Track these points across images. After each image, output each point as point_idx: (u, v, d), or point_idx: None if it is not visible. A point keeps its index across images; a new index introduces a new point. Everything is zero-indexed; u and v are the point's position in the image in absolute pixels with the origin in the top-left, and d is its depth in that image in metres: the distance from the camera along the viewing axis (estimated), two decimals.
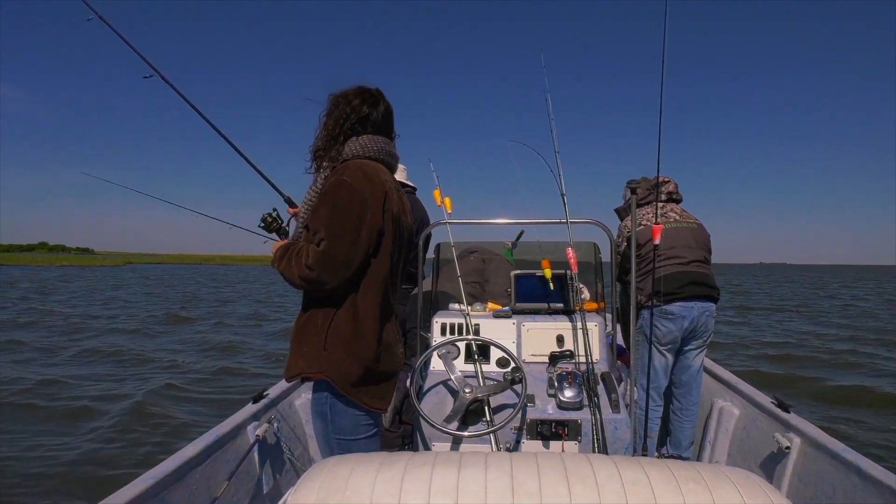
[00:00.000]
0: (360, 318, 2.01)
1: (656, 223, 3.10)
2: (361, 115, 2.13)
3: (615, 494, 1.25)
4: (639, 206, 3.85)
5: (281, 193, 2.37)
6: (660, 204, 3.83)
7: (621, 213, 4.05)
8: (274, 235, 2.26)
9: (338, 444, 2.03)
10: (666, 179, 3.94)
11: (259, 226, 2.28)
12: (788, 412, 3.09)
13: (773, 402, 3.24)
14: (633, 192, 3.15)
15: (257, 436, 2.84)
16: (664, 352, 3.70)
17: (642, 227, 3.74)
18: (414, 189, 3.92)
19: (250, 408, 2.99)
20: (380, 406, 2.08)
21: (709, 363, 4.17)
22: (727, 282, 51.71)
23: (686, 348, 3.75)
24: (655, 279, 3.49)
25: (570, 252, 3.09)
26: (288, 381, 2.12)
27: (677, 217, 3.85)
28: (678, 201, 4.00)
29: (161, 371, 9.45)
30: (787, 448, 2.87)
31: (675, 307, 3.59)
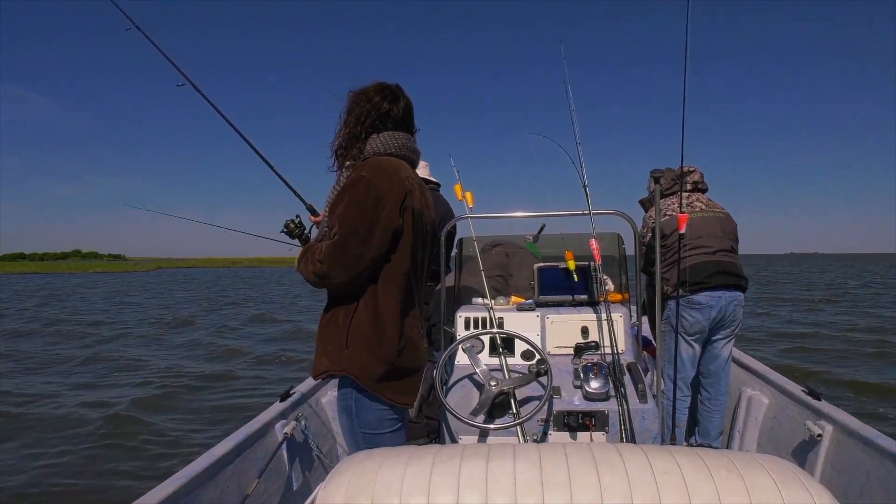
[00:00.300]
0: (380, 315, 2.00)
1: (681, 212, 3.07)
2: (382, 111, 2.12)
3: (646, 484, 1.23)
4: (664, 196, 3.81)
5: (304, 202, 2.38)
6: (685, 194, 3.78)
7: (646, 204, 4.00)
8: (297, 241, 2.27)
9: (363, 437, 2.04)
10: (691, 169, 3.90)
11: (282, 231, 2.29)
12: (819, 400, 3.03)
13: (803, 391, 3.18)
14: (657, 181, 3.11)
15: (285, 433, 2.86)
16: (691, 342, 3.66)
17: (668, 217, 3.70)
18: (438, 186, 3.92)
19: (277, 406, 3.01)
20: (405, 401, 2.08)
21: (737, 353, 4.11)
22: (756, 272, 50.94)
23: (714, 338, 3.71)
24: (682, 269, 3.46)
25: (594, 243, 3.07)
26: (315, 378, 2.13)
27: (703, 206, 3.81)
28: (704, 191, 3.95)
29: (153, 377, 9.39)
30: (819, 436, 2.82)
31: (702, 297, 3.55)
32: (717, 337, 3.70)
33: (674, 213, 3.66)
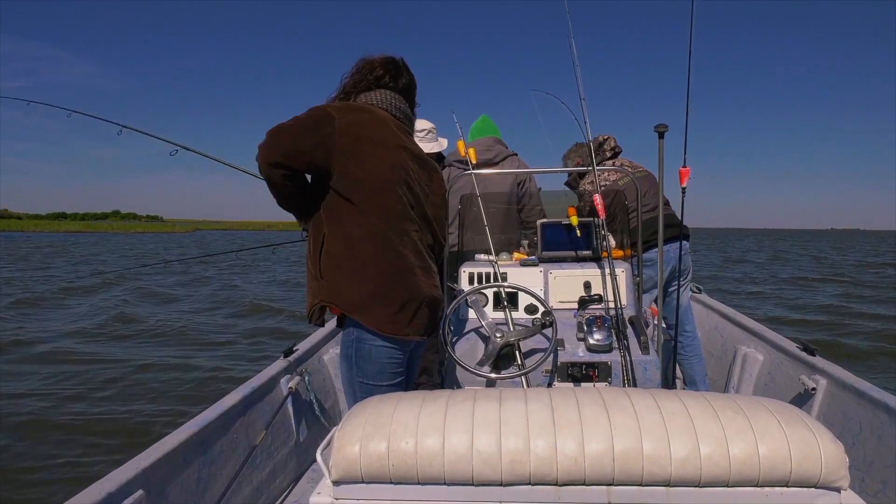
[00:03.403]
0: (352, 240, 1.95)
1: (684, 167, 3.04)
2: (381, 83, 2.12)
3: (655, 424, 1.24)
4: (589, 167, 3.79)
5: None
6: (609, 162, 3.82)
7: (572, 183, 3.98)
8: None
9: (360, 387, 2.01)
10: (605, 137, 3.91)
11: None
12: (814, 355, 3.01)
13: (798, 347, 3.16)
14: (661, 135, 3.07)
15: (290, 388, 2.90)
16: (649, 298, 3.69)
17: (607, 184, 3.66)
18: (441, 160, 3.82)
19: (281, 362, 3.05)
20: (395, 331, 1.97)
21: (731, 311, 4.09)
22: (793, 245, 49.35)
23: (671, 289, 3.74)
24: (632, 229, 3.47)
25: (598, 199, 3.03)
26: (309, 322, 2.10)
27: (630, 169, 3.77)
28: (619, 153, 3.95)
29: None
30: (813, 389, 2.80)
31: (653, 253, 3.53)
32: (673, 287, 3.72)
33: (607, 182, 3.67)
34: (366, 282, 1.95)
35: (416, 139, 3.75)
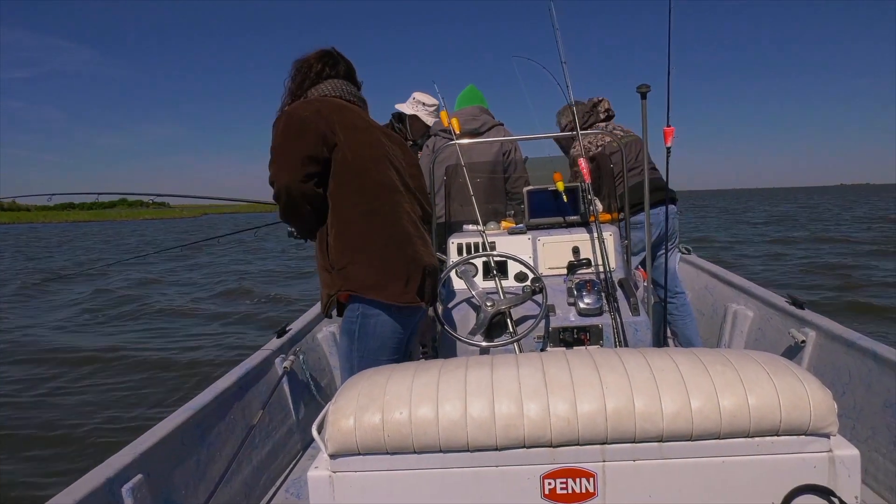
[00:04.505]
0: (349, 222, 2.00)
1: (668, 126, 3.01)
2: (323, 76, 2.15)
3: (646, 381, 1.25)
4: (583, 129, 3.66)
5: None
6: (602, 124, 3.76)
7: (566, 145, 3.88)
8: None
9: (359, 361, 2.01)
10: (600, 99, 3.83)
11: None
12: (803, 308, 3.00)
13: (787, 301, 3.15)
14: (644, 96, 3.03)
15: (285, 367, 2.91)
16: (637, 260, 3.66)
17: (601, 146, 3.60)
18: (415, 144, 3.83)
19: (275, 342, 3.06)
20: (408, 300, 2.01)
21: (720, 270, 4.08)
22: (802, 205, 48.67)
23: (659, 253, 3.72)
24: (621, 193, 3.45)
25: (583, 163, 2.99)
26: (325, 316, 2.14)
27: (622, 133, 3.71)
28: (612, 117, 3.87)
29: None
30: (803, 342, 2.80)
31: (642, 216, 3.45)
32: (661, 251, 3.71)
33: (602, 144, 3.61)
34: (373, 261, 1.98)
35: (424, 114, 3.77)
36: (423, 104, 3.83)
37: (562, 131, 3.78)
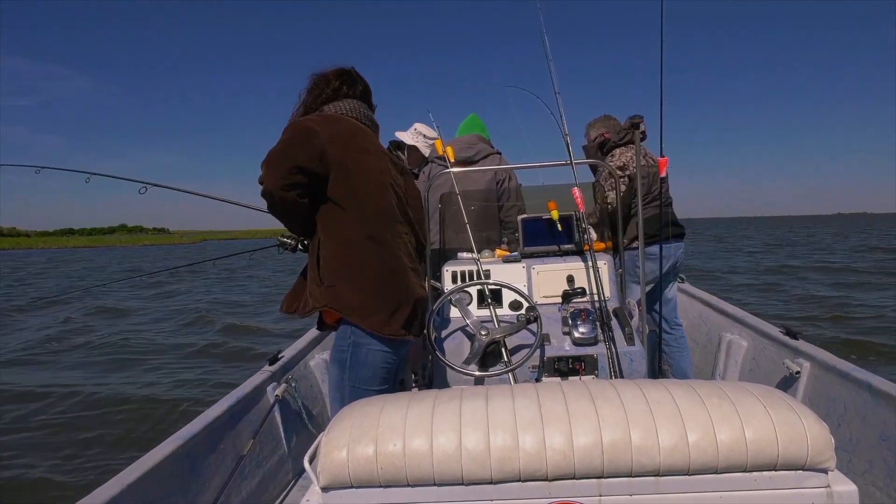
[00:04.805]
0: (347, 244, 1.99)
1: (662, 157, 3.03)
2: (340, 93, 2.16)
3: (642, 413, 1.23)
4: (616, 146, 3.72)
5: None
6: (642, 143, 3.64)
7: (590, 151, 3.86)
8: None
9: (350, 391, 2.01)
10: (640, 117, 3.84)
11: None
12: (797, 339, 2.99)
13: (781, 331, 3.14)
14: (636, 125, 3.05)
15: (276, 395, 2.87)
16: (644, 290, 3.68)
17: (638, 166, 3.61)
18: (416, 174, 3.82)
19: (267, 369, 3.02)
20: (392, 332, 2.01)
21: (714, 299, 4.07)
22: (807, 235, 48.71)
23: (666, 285, 3.73)
24: (645, 220, 3.45)
25: (577, 192, 2.99)
26: (301, 316, 2.11)
27: (653, 159, 3.69)
28: (645, 139, 3.76)
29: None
30: (798, 373, 2.78)
31: (656, 248, 3.51)
32: (668, 282, 3.71)
33: (626, 167, 3.58)
34: (364, 286, 1.98)
35: (423, 145, 3.81)
36: (424, 136, 3.86)
37: (589, 143, 3.79)
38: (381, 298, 1.99)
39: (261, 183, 1.97)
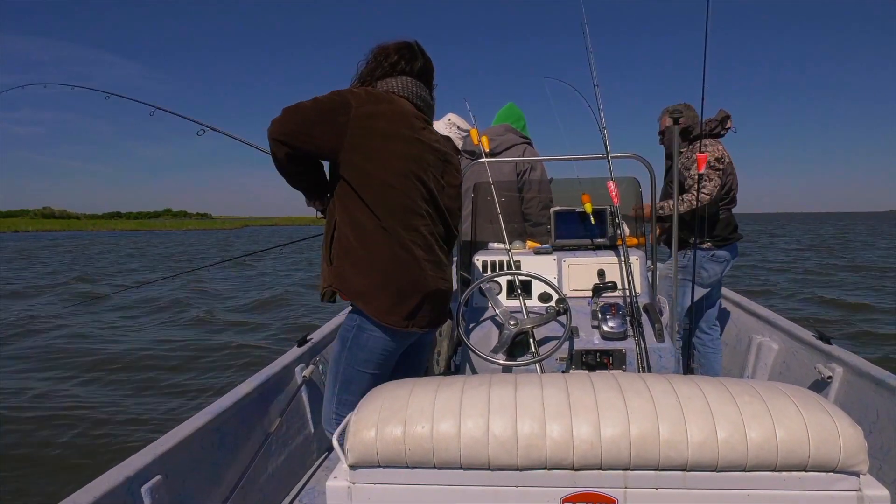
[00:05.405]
0: (361, 227, 1.95)
1: (701, 153, 2.97)
2: (397, 69, 2.09)
3: (672, 407, 1.21)
4: (706, 136, 3.55)
5: None
6: (711, 141, 3.57)
7: (670, 135, 3.60)
8: None
9: (345, 368, 2.02)
10: (727, 114, 3.62)
11: None
12: (830, 343, 2.91)
13: (813, 336, 3.06)
14: (676, 121, 3.00)
15: (304, 377, 2.92)
16: (703, 292, 3.60)
17: (724, 162, 3.47)
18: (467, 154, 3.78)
19: (296, 350, 3.07)
20: (393, 321, 1.97)
21: (745, 301, 3.98)
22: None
23: (715, 287, 3.69)
24: (718, 221, 3.40)
25: (612, 185, 2.96)
26: (322, 301, 2.10)
27: (728, 160, 3.57)
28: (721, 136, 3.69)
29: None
30: (829, 378, 2.72)
31: (724, 252, 3.51)
32: (718, 285, 3.69)
33: (723, 160, 3.44)
34: (371, 272, 1.95)
35: (457, 137, 3.78)
36: (458, 127, 3.83)
37: (668, 128, 3.63)
38: (385, 286, 1.95)
39: (269, 131, 1.93)
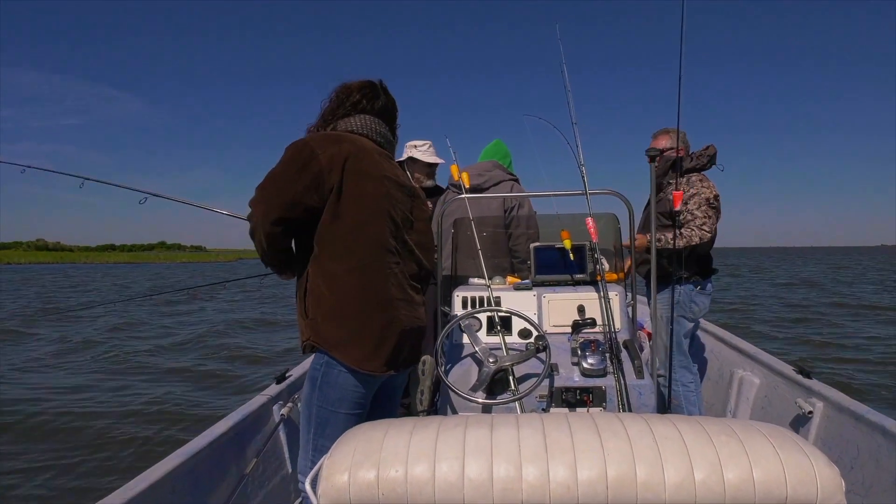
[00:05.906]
0: (332, 277, 1.93)
1: (676, 190, 2.99)
2: (358, 108, 2.11)
3: (648, 448, 1.20)
4: (689, 172, 3.56)
5: None
6: (707, 173, 3.58)
7: (662, 164, 3.58)
8: None
9: (318, 410, 1.96)
10: (709, 146, 3.62)
11: None
12: (810, 378, 2.91)
13: (794, 370, 3.06)
14: (653, 159, 3.02)
15: (282, 415, 2.85)
16: (689, 327, 3.59)
17: (705, 194, 3.44)
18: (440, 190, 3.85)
19: (274, 388, 3.00)
20: (371, 368, 1.95)
21: (726, 334, 3.99)
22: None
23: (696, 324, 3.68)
24: (702, 255, 3.40)
25: (590, 222, 2.97)
26: (303, 353, 2.09)
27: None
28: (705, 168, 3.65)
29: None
30: (810, 413, 2.70)
31: (710, 285, 3.54)
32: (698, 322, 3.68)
33: (698, 192, 3.42)
34: (346, 320, 1.93)
35: (419, 153, 3.81)
36: (415, 146, 3.84)
37: (660, 151, 3.59)
38: (363, 334, 1.93)
39: (250, 206, 1.93)
